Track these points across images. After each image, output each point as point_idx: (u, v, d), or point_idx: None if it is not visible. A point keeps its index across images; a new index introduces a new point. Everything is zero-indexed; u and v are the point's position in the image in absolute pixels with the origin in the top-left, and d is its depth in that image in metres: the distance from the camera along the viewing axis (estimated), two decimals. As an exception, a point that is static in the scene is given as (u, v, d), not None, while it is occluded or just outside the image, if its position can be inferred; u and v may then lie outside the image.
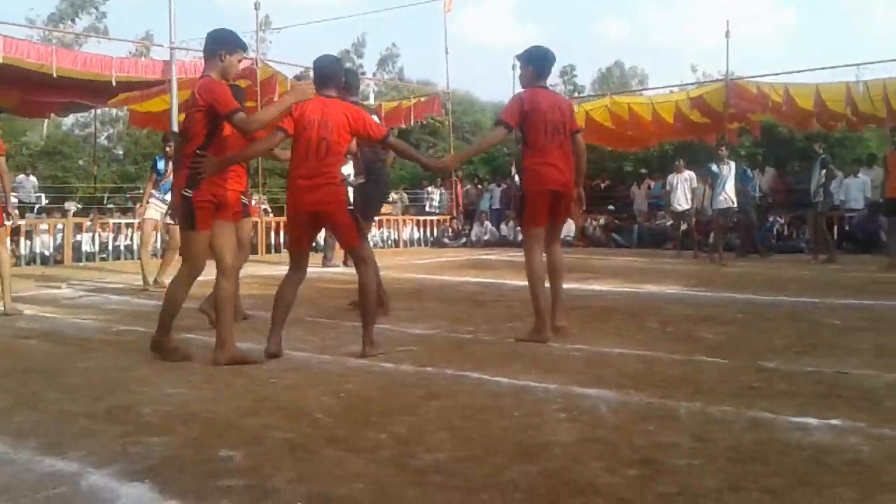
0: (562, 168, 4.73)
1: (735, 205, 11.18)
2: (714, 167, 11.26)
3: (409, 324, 5.51)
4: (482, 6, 64.06)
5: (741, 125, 16.43)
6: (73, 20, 28.83)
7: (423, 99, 18.80)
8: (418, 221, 17.61)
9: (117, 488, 2.27)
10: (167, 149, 8.08)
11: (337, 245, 7.36)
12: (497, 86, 64.06)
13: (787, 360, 4.10)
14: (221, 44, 4.17)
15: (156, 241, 10.57)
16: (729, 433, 2.79)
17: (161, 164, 8.40)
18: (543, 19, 67.49)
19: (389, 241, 16.75)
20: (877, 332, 4.97)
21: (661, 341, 4.73)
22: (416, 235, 17.19)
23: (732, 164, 11.39)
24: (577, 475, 2.36)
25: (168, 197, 8.17)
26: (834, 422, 2.90)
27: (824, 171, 11.14)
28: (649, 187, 17.05)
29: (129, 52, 21.47)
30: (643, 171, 18.98)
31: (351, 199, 4.63)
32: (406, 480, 2.33)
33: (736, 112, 15.11)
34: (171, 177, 7.97)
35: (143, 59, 13.38)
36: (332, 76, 4.39)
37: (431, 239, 17.42)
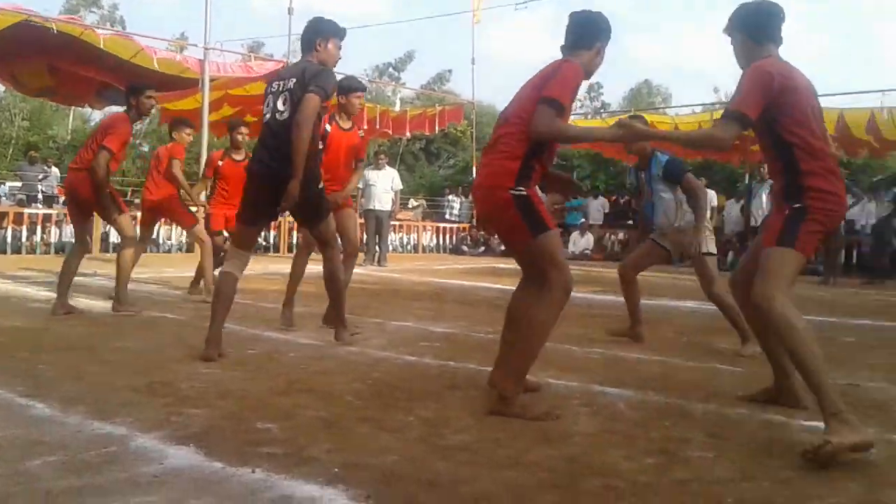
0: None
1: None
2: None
3: (430, 322, 5.67)
4: (516, 20, 64.47)
5: (763, 147, 16.49)
6: (81, 16, 28.87)
7: (447, 107, 19.02)
8: (437, 228, 17.79)
9: (164, 450, 2.42)
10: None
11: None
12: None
13: (801, 371, 4.20)
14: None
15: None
16: (742, 432, 2.91)
17: None
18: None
19: (409, 247, 16.93)
20: (889, 351, 5.06)
21: (677, 349, 4.85)
22: (434, 242, 17.37)
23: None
24: (598, 460, 2.49)
25: None
26: (845, 427, 2.99)
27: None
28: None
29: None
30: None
31: None
32: (436, 456, 2.46)
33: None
34: None
35: (178, 55, 13.48)
36: None
37: (450, 246, 17.58)
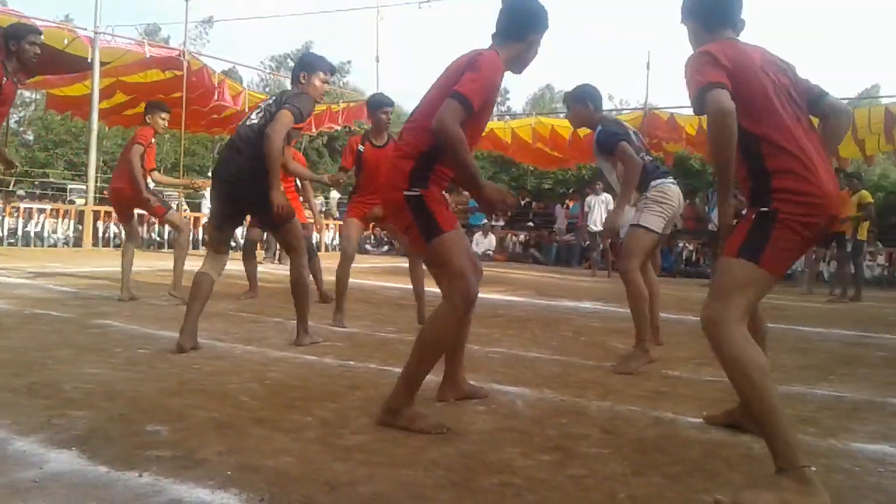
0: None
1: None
2: None
3: (331, 321, 5.59)
4: (422, 16, 64.50)
5: (656, 154, 17.15)
6: None
7: (352, 104, 18.87)
8: (341, 227, 17.60)
9: (45, 454, 2.28)
10: None
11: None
12: (425, 99, 64.34)
13: (689, 369, 4.38)
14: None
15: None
16: (634, 428, 2.99)
17: None
18: (485, 34, 68.50)
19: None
20: (773, 352, 5.33)
21: (575, 348, 4.96)
22: (337, 241, 17.18)
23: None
24: (494, 458, 2.51)
25: None
26: (729, 422, 3.14)
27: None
28: (567, 207, 17.60)
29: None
30: (569, 190, 19.61)
31: None
32: (333, 457, 2.42)
33: (651, 140, 15.76)
34: None
35: (66, 38, 12.73)
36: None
37: (353, 245, 17.43)
